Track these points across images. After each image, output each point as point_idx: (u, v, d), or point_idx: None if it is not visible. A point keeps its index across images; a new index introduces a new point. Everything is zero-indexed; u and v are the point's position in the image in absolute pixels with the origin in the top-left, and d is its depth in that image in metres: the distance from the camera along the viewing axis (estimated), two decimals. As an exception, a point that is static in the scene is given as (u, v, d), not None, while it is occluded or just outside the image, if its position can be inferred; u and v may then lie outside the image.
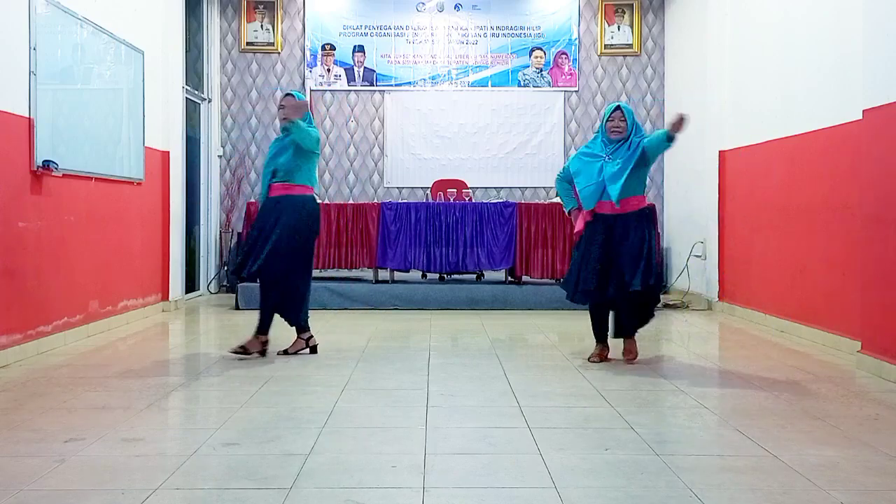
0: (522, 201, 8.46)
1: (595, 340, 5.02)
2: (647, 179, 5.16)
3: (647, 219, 4.82)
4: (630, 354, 4.94)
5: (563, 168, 5.12)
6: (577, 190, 4.89)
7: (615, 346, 5.04)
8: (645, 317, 4.97)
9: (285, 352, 5.14)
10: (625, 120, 4.78)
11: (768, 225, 6.67)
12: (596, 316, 4.98)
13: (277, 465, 2.93)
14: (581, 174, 4.85)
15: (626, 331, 4.97)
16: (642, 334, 5.13)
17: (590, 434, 3.37)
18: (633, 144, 4.77)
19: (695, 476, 2.82)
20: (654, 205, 4.99)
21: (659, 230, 4.87)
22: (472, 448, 3.17)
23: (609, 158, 4.76)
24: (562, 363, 4.98)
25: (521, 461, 2.99)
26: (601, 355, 4.96)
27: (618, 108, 4.83)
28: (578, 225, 4.90)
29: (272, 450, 3.12)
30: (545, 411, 3.76)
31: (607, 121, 4.83)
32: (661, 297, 8.24)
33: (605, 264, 4.74)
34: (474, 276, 8.48)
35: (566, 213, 5.08)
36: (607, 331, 5.00)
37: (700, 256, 8.08)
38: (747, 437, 3.33)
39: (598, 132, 4.98)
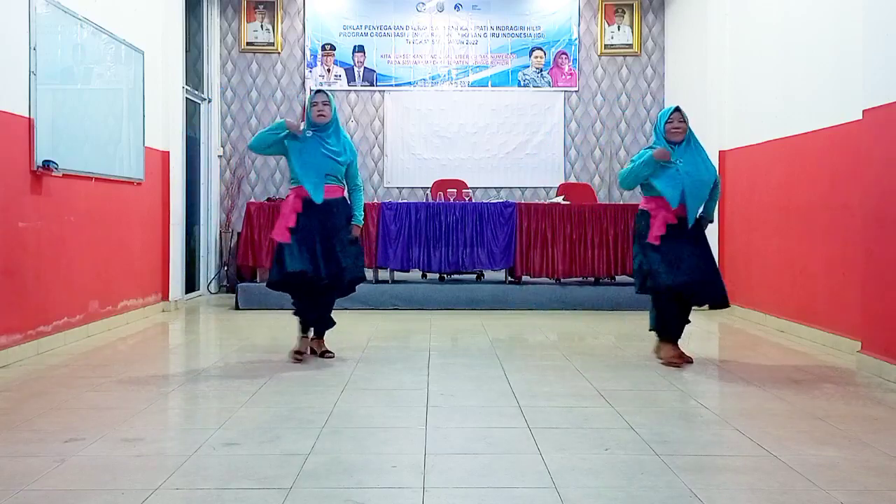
0: (522, 201, 8.46)
1: (664, 340, 4.92)
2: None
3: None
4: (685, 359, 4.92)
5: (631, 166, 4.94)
6: (657, 188, 4.81)
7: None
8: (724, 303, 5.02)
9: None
10: (684, 121, 4.81)
11: (768, 225, 6.67)
12: (675, 312, 4.87)
13: (277, 465, 2.93)
14: (661, 176, 4.78)
15: (679, 333, 4.97)
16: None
17: (590, 434, 3.37)
18: (705, 157, 4.87)
19: (695, 476, 2.82)
20: None
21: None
22: (472, 448, 3.17)
23: (680, 161, 4.77)
24: (562, 363, 4.98)
25: (520, 461, 2.99)
26: (681, 355, 4.91)
27: (677, 109, 4.85)
28: (659, 228, 4.77)
29: (272, 450, 3.12)
30: (545, 411, 3.76)
31: (666, 122, 4.83)
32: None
33: (698, 259, 4.77)
34: (474, 276, 8.48)
35: (652, 157, 4.76)
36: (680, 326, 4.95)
37: (700, 256, 8.07)
38: (747, 437, 3.33)
39: (655, 136, 4.93)
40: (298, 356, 4.99)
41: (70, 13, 5.65)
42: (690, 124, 4.89)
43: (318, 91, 5.04)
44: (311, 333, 5.11)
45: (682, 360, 4.85)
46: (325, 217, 4.85)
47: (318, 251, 4.80)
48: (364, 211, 5.13)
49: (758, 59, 7.02)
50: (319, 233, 4.83)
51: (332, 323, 5.13)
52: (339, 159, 4.91)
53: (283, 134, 4.90)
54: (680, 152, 4.80)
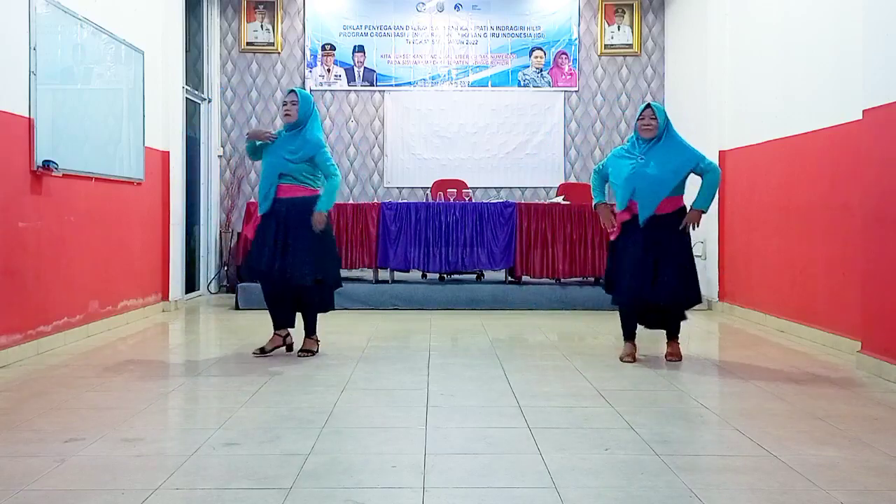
0: (522, 201, 8.46)
1: (624, 339, 5.05)
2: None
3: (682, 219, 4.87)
4: (675, 356, 4.98)
5: (603, 162, 5.12)
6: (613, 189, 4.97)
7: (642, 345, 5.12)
8: (682, 317, 5.06)
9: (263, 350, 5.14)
10: (655, 118, 4.79)
11: (768, 225, 6.67)
12: (631, 315, 4.99)
13: (277, 465, 2.93)
14: (616, 173, 4.90)
15: (671, 332, 5.03)
16: (642, 334, 5.13)
17: (590, 434, 3.37)
18: (679, 152, 4.81)
19: (695, 476, 2.82)
20: (684, 206, 4.94)
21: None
22: (472, 448, 3.17)
23: (642, 158, 4.80)
24: (562, 363, 4.98)
25: (520, 461, 2.99)
26: (633, 355, 5.00)
27: (648, 106, 4.85)
28: (615, 224, 4.92)
29: (272, 450, 3.12)
30: (545, 411, 3.76)
31: (638, 119, 4.85)
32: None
33: (647, 265, 4.76)
34: (474, 276, 8.48)
35: (593, 207, 5.09)
36: (635, 329, 5.03)
37: (700, 256, 8.07)
38: (747, 437, 3.33)
39: (633, 132, 4.98)
40: (258, 352, 5.08)
41: (70, 13, 5.65)
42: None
43: (290, 91, 5.03)
44: (287, 331, 5.18)
45: (632, 358, 4.95)
46: (280, 217, 4.89)
47: (266, 251, 4.87)
48: (332, 199, 4.93)
49: (758, 59, 7.02)
50: (274, 232, 4.87)
51: (314, 317, 5.19)
52: (291, 158, 4.86)
53: (258, 143, 5.03)
54: (645, 148, 4.81)
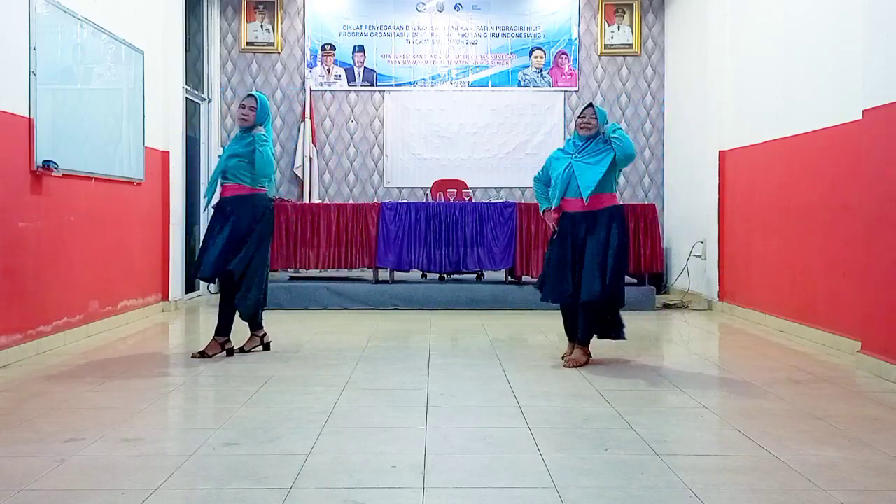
0: (522, 201, 8.46)
1: (568, 339, 5.02)
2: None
3: (617, 218, 4.81)
4: (571, 362, 4.84)
5: (542, 168, 5.12)
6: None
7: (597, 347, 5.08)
8: (604, 329, 4.94)
9: (241, 349, 5.19)
10: (595, 117, 4.85)
11: (768, 225, 6.67)
12: (567, 315, 4.98)
13: (277, 465, 2.93)
14: (553, 172, 4.95)
15: (580, 336, 4.89)
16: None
17: (590, 434, 3.37)
18: (603, 143, 4.83)
19: (695, 476, 2.82)
20: (622, 204, 4.93)
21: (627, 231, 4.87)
22: (472, 448, 3.17)
23: (577, 155, 4.84)
24: (562, 363, 4.97)
25: (520, 461, 2.99)
26: (569, 355, 4.95)
27: (590, 105, 4.92)
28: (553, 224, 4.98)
29: (272, 450, 3.12)
30: (545, 411, 3.76)
31: (578, 117, 4.92)
32: (662, 297, 8.27)
33: (573, 263, 4.79)
34: (474, 276, 8.48)
35: (541, 213, 5.10)
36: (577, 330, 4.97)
37: (700, 256, 8.08)
38: (747, 437, 3.33)
39: (573, 132, 5.02)
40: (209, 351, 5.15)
41: (70, 13, 5.64)
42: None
43: (249, 95, 5.09)
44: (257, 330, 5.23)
45: (571, 362, 4.83)
46: (220, 214, 4.99)
47: (209, 247, 4.95)
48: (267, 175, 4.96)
49: (758, 59, 7.02)
50: (216, 231, 4.96)
51: (247, 317, 5.13)
52: (239, 152, 4.92)
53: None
54: (581, 146, 4.84)
